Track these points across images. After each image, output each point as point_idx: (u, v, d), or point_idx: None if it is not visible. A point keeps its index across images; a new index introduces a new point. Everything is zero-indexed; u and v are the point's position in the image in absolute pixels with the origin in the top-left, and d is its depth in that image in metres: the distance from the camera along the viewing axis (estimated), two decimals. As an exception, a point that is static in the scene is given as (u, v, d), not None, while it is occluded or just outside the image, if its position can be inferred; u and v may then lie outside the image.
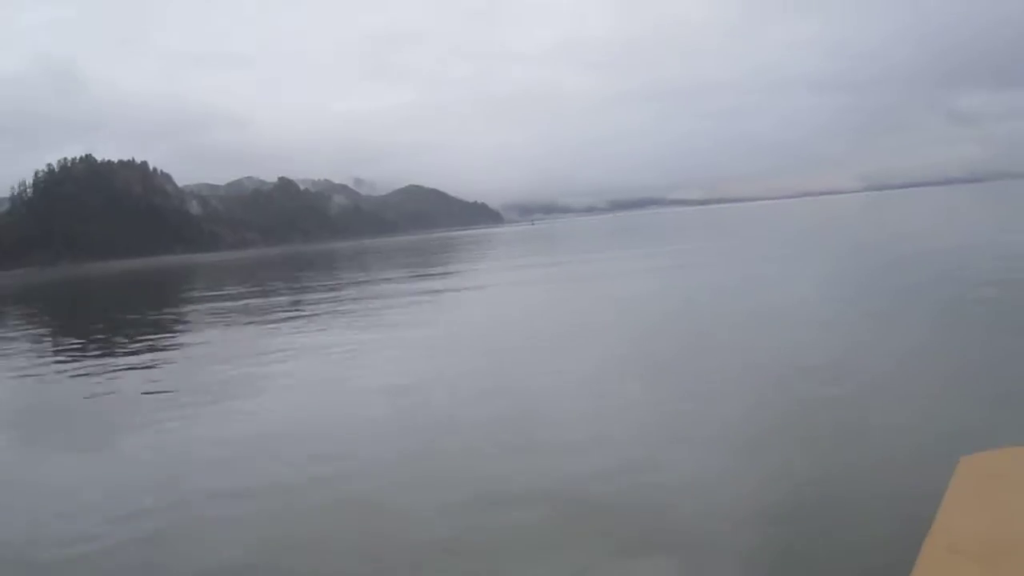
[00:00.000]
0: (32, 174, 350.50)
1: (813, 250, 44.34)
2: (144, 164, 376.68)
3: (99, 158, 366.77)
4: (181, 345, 22.55)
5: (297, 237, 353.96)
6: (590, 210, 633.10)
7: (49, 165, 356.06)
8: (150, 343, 22.90)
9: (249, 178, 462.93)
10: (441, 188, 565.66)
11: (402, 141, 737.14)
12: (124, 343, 23.87)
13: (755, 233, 70.74)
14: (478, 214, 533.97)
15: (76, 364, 20.30)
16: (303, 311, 28.77)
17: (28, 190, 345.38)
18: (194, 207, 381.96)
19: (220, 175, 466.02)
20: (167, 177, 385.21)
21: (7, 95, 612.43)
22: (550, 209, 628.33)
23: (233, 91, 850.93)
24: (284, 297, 37.25)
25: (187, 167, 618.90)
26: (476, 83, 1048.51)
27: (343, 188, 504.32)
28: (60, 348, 25.06)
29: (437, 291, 32.78)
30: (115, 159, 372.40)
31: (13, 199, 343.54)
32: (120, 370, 18.43)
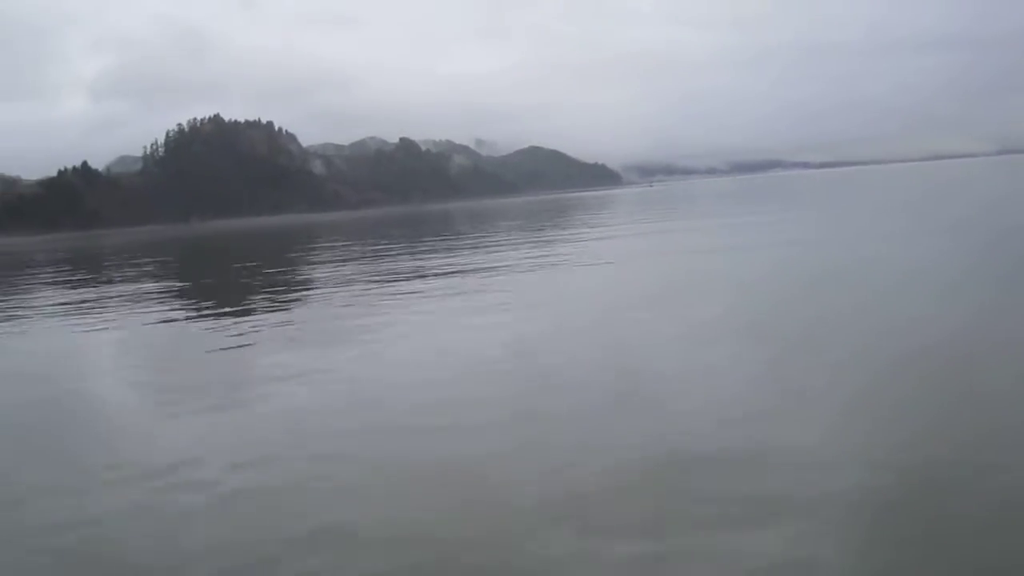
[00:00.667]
0: (164, 134, 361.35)
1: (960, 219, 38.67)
2: (269, 124, 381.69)
3: (226, 118, 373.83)
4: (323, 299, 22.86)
5: (418, 196, 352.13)
6: (711, 172, 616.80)
7: (179, 125, 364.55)
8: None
9: (372, 138, 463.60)
10: (561, 149, 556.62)
11: (522, 102, 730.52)
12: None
13: (889, 199, 64.45)
14: (597, 175, 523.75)
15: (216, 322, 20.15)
16: (430, 275, 27.57)
17: (160, 149, 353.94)
18: (318, 167, 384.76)
19: (344, 135, 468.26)
20: (291, 137, 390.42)
21: (134, 57, 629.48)
22: (670, 170, 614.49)
23: (353, 52, 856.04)
24: (406, 258, 35.60)
25: (312, 128, 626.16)
26: (592, 43, 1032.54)
27: (464, 149, 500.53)
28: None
29: (558, 258, 30.58)
30: (241, 119, 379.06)
31: (145, 158, 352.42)
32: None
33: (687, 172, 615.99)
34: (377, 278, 27.46)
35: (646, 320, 15.81)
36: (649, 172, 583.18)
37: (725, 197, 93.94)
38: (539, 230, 48.74)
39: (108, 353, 16.27)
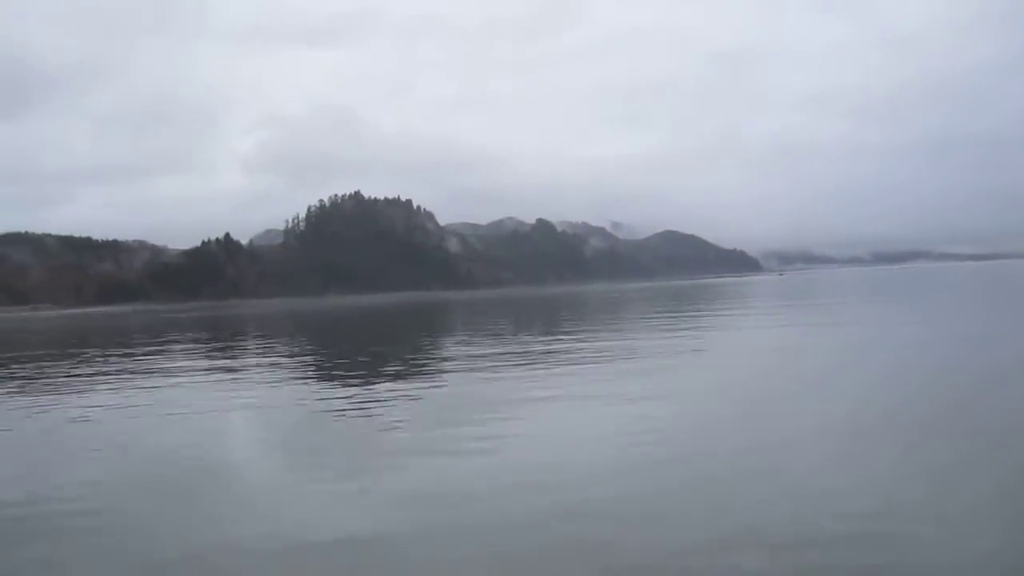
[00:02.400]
0: (306, 209, 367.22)
1: None
2: (408, 202, 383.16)
3: (366, 195, 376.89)
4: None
5: (551, 278, 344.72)
6: (852, 261, 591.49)
7: (320, 201, 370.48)
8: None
9: (510, 218, 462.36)
10: (698, 233, 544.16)
11: (659, 185, 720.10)
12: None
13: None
14: (736, 261, 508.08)
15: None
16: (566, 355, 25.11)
17: (301, 224, 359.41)
18: (453, 245, 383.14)
19: (482, 215, 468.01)
20: (429, 215, 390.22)
21: (287, 135, 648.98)
22: (809, 259, 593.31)
23: (492, 134, 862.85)
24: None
25: (451, 207, 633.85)
26: (727, 130, 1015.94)
27: (599, 231, 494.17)
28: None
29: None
30: (381, 196, 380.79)
31: (287, 232, 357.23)
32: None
33: (827, 261, 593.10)
34: (515, 359, 24.77)
35: (795, 414, 13.82)
36: (788, 259, 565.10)
37: (878, 288, 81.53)
38: (679, 316, 44.94)
39: (249, 424, 15.06)
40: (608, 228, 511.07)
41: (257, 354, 32.40)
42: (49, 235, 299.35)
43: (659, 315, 48.35)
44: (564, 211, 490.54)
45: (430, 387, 19.02)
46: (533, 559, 7.24)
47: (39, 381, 23.48)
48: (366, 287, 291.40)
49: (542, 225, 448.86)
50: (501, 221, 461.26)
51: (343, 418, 14.99)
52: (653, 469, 10.23)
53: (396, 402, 16.67)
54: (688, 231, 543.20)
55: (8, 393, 21.14)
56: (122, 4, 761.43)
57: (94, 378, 24.10)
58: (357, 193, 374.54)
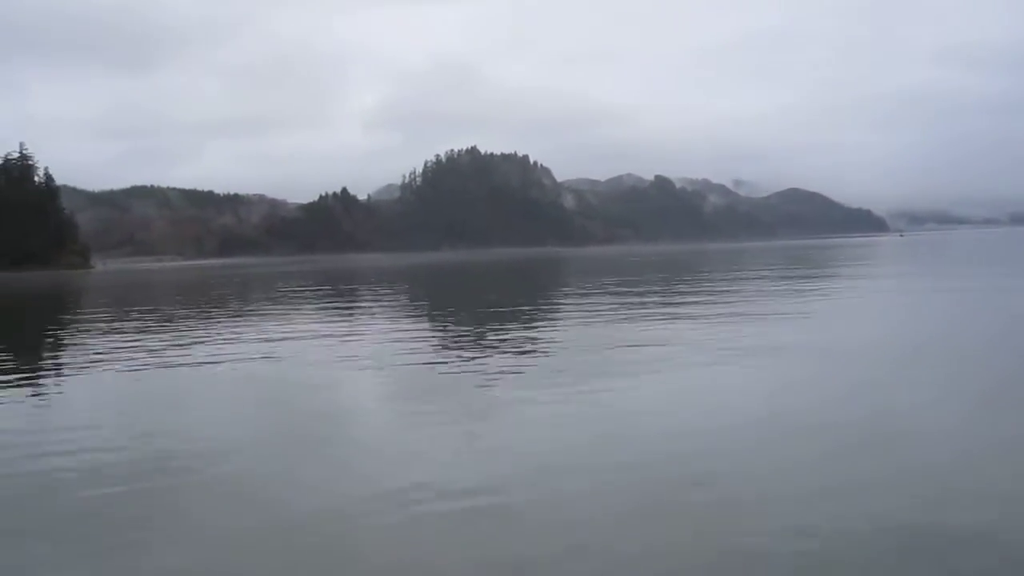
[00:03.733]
0: (422, 164, 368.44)
1: None
2: (525, 158, 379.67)
3: (483, 151, 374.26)
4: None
5: (668, 235, 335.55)
6: (988, 222, 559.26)
7: (437, 156, 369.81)
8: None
9: (629, 175, 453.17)
10: (823, 192, 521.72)
11: (785, 142, 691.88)
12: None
13: None
14: (861, 221, 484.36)
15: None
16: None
17: (417, 179, 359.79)
18: (568, 201, 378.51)
19: (601, 171, 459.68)
20: (546, 171, 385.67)
21: (411, 91, 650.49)
22: (943, 219, 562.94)
23: (614, 88, 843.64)
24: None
25: (568, 162, 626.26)
26: (861, 85, 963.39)
27: (720, 188, 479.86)
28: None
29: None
30: (498, 152, 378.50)
31: (403, 187, 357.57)
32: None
33: (960, 221, 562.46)
34: (633, 315, 23.23)
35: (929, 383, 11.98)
36: (919, 219, 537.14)
37: (995, 251, 72.84)
38: (805, 279, 40.51)
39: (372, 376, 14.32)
40: (729, 185, 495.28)
41: (374, 306, 31.92)
42: (173, 188, 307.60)
43: (779, 275, 43.68)
44: (684, 168, 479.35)
45: (549, 339, 18.24)
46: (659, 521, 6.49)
47: (166, 331, 22.80)
48: (479, 242, 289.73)
49: (660, 182, 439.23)
50: (620, 177, 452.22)
51: (467, 371, 14.19)
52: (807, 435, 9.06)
53: (518, 355, 15.81)
54: (813, 189, 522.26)
55: (142, 342, 20.29)
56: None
57: (213, 329, 23.51)
58: (473, 148, 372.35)
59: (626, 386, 11.96)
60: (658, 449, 8.42)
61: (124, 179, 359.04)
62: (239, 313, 30.31)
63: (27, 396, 13.03)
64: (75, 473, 8.17)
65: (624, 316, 23.00)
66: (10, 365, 16.95)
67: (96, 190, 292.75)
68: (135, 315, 30.93)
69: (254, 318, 27.06)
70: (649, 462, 7.93)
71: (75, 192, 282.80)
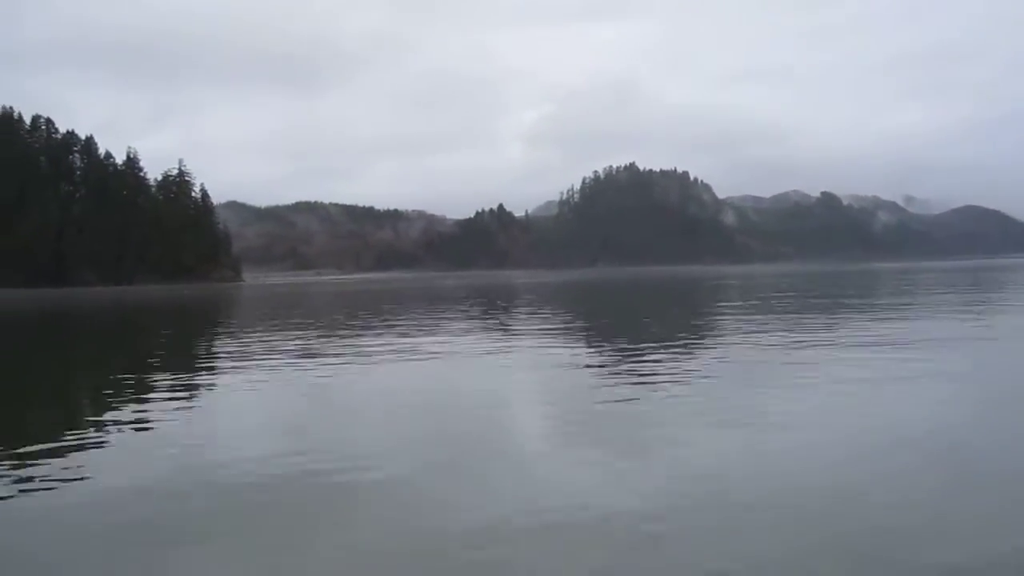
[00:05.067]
0: (580, 180, 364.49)
1: None
2: (684, 174, 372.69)
3: (641, 167, 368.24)
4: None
5: (834, 254, 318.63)
6: None
7: (595, 172, 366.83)
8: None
9: (795, 191, 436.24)
10: (1003, 209, 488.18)
11: (958, 158, 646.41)
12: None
13: None
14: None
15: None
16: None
17: (575, 195, 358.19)
18: (729, 218, 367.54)
19: (764, 188, 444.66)
20: (706, 187, 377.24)
21: (571, 109, 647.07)
22: None
23: (778, 104, 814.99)
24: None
25: (730, 179, 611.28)
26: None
27: (890, 205, 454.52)
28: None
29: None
30: (657, 168, 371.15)
31: (560, 204, 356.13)
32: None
33: None
34: (797, 338, 20.33)
35: None
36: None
37: None
38: (988, 302, 35.75)
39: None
40: (900, 202, 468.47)
41: (529, 321, 30.97)
42: (335, 204, 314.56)
43: (962, 298, 37.43)
44: (852, 184, 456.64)
45: (710, 361, 16.97)
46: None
47: (326, 347, 21.66)
48: (636, 259, 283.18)
49: (827, 198, 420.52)
50: (785, 194, 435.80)
51: (623, 389, 13.25)
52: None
53: (680, 375, 14.48)
54: (991, 206, 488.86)
55: (296, 351, 20.13)
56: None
57: (367, 340, 23.14)
58: (632, 165, 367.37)
59: (794, 413, 11.03)
60: (824, 481, 7.71)
61: (290, 195, 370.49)
62: (394, 325, 29.64)
63: (186, 404, 12.90)
64: (235, 478, 8.11)
65: (799, 340, 20.64)
66: (169, 374, 16.65)
67: (263, 206, 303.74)
68: (290, 326, 30.90)
69: (410, 330, 26.26)
70: (812, 490, 7.41)
71: (244, 208, 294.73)
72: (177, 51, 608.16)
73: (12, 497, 7.48)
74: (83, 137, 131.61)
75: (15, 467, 8.56)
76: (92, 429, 10.60)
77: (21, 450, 9.41)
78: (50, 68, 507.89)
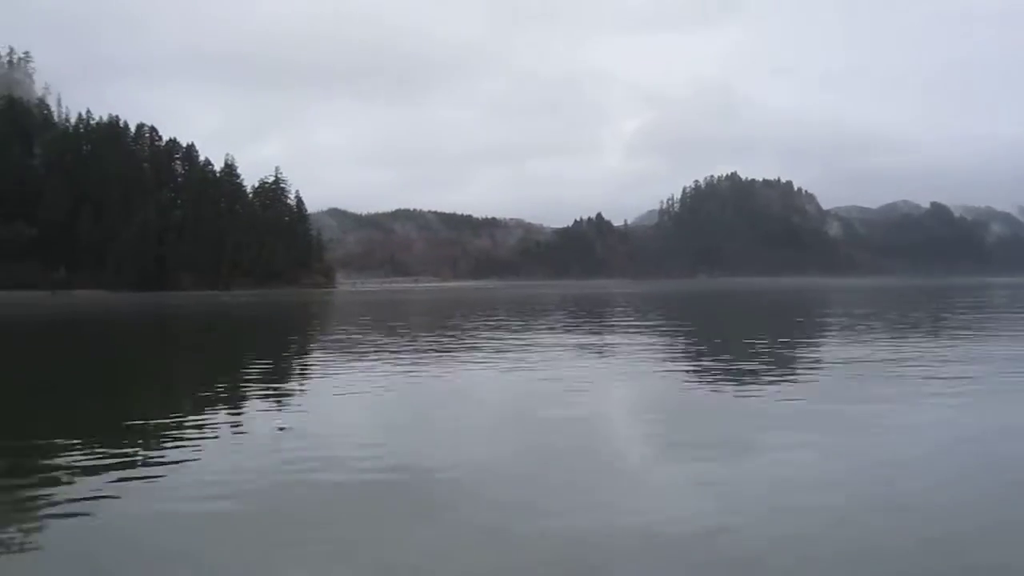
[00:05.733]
0: (681, 190, 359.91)
1: None
2: (788, 184, 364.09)
3: (744, 176, 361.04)
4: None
5: (942, 266, 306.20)
6: None
7: (696, 181, 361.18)
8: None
9: (905, 202, 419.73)
10: None
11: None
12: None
13: None
14: None
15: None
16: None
17: (675, 205, 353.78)
18: (834, 229, 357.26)
19: (872, 198, 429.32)
20: (810, 198, 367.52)
21: (672, 117, 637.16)
22: None
23: (885, 113, 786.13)
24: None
25: (836, 189, 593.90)
26: None
27: (1004, 216, 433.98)
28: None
29: None
30: (759, 178, 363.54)
31: (660, 213, 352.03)
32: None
33: None
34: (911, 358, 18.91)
35: None
36: None
37: None
38: None
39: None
40: (1014, 213, 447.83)
41: (627, 330, 30.76)
42: (433, 212, 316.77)
43: None
44: (964, 195, 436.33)
45: (815, 373, 16.59)
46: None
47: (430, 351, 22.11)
48: (736, 269, 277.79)
49: (937, 210, 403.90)
50: (893, 205, 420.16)
51: (726, 401, 13.30)
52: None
53: (782, 389, 14.34)
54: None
55: (388, 357, 20.25)
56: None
57: (462, 345, 23.44)
58: (734, 174, 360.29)
59: (901, 429, 10.72)
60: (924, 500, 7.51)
61: (390, 203, 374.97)
62: (489, 332, 29.61)
63: (286, 403, 13.25)
64: (334, 475, 8.28)
65: (917, 357, 19.83)
66: (264, 377, 16.91)
67: (364, 213, 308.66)
68: (387, 330, 31.47)
69: (506, 337, 26.34)
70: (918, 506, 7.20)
71: (345, 215, 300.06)
72: (285, 62, 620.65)
73: (121, 486, 7.85)
74: (184, 145, 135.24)
75: (121, 459, 8.94)
76: (195, 424, 11.10)
77: (125, 443, 9.91)
78: (163, 79, 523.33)
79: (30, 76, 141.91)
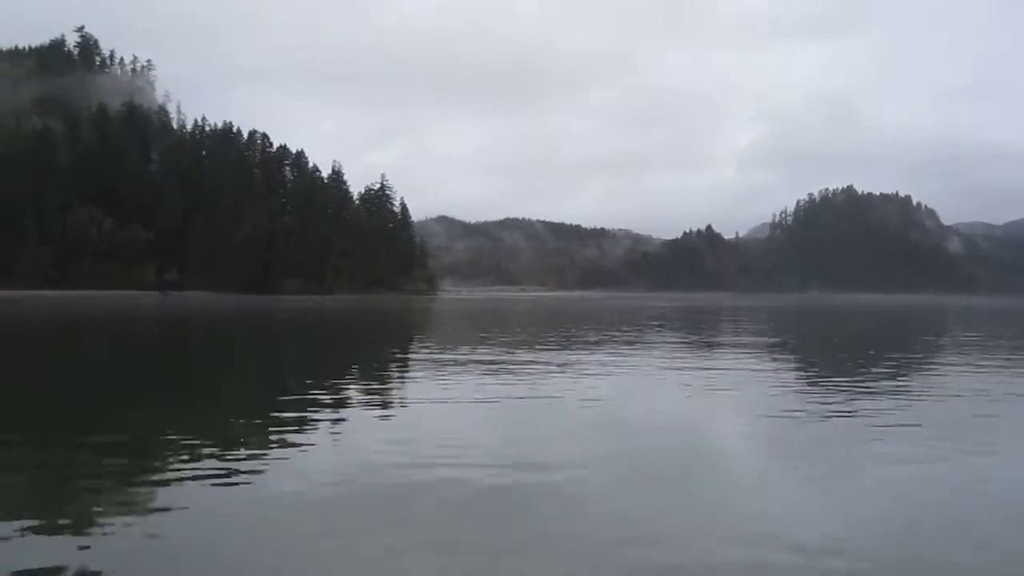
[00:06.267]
0: (794, 203, 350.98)
1: None
2: (907, 199, 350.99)
3: (860, 190, 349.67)
4: None
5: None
6: None
7: (810, 195, 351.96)
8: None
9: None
10: None
11: None
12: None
13: None
14: None
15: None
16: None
17: (788, 218, 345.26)
18: (954, 245, 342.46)
19: (997, 214, 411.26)
20: (930, 213, 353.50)
21: (786, 129, 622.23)
22: None
23: (1012, 124, 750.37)
24: None
25: (958, 205, 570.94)
26: None
27: None
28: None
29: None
30: (876, 192, 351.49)
31: (773, 226, 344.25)
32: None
33: None
34: None
35: None
36: None
37: None
38: None
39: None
40: None
41: (738, 344, 29.73)
42: (541, 221, 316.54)
43: None
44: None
45: (932, 392, 16.15)
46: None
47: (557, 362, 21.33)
48: (850, 285, 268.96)
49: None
50: (1020, 221, 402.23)
51: (842, 421, 12.58)
52: None
53: (901, 411, 13.56)
54: None
55: (489, 366, 19.82)
56: (635, 6, 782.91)
57: (570, 356, 22.82)
58: (849, 187, 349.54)
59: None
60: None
61: (499, 211, 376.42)
62: (598, 341, 29.35)
63: (388, 407, 13.39)
64: (432, 482, 8.24)
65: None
66: (369, 380, 17.33)
67: (473, 221, 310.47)
68: (489, 339, 30.94)
69: (614, 350, 25.62)
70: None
71: (454, 222, 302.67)
72: (404, 72, 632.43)
73: (220, 486, 7.93)
74: (294, 151, 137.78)
75: (223, 463, 8.91)
76: (297, 423, 11.33)
77: (227, 447, 9.92)
78: (285, 86, 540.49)
79: (151, 83, 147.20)
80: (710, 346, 29.31)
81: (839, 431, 11.70)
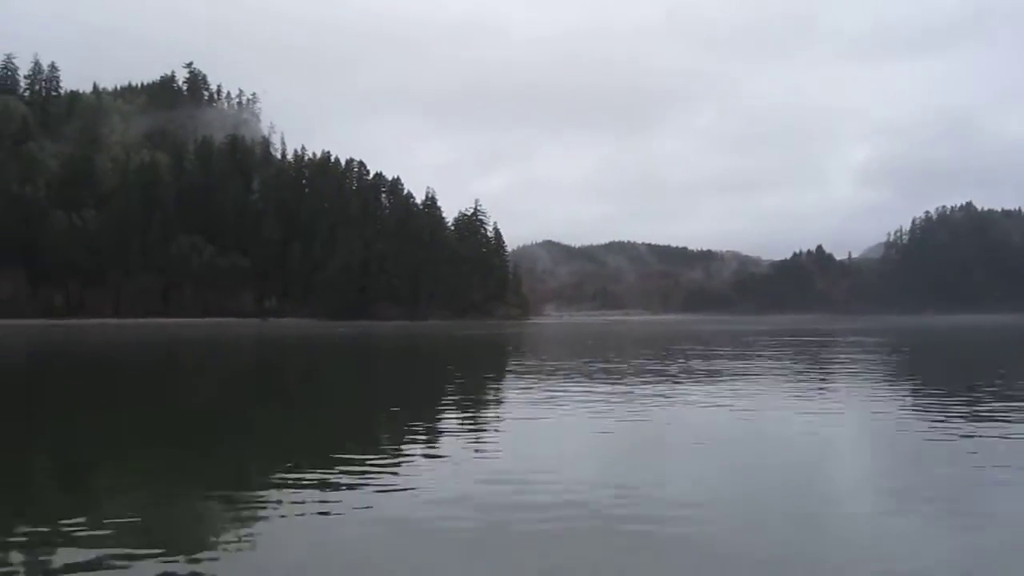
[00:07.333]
0: (910, 222, 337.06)
1: None
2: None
3: (979, 207, 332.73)
4: None
5: None
6: None
7: (927, 212, 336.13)
8: None
9: None
10: None
11: None
12: None
13: None
14: None
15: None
16: None
17: (904, 237, 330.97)
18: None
19: None
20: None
21: (902, 147, 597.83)
22: None
23: None
24: None
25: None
26: None
27: None
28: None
29: None
30: (997, 208, 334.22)
31: (888, 246, 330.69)
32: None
33: None
34: None
35: None
36: None
37: None
38: None
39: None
40: None
41: (854, 370, 29.25)
42: (646, 244, 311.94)
43: None
44: None
45: None
46: None
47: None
48: (970, 306, 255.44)
49: None
50: None
51: (961, 448, 12.61)
52: None
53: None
54: None
55: (601, 391, 20.16)
56: (738, 24, 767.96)
57: (678, 386, 22.57)
58: (968, 204, 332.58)
59: None
60: None
61: (604, 235, 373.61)
62: (709, 373, 28.13)
63: (500, 431, 13.66)
64: (531, 507, 8.39)
65: None
66: (482, 404, 17.73)
67: (577, 245, 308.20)
68: (589, 364, 31.29)
69: (727, 379, 25.01)
70: None
71: (558, 247, 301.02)
72: (510, 98, 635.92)
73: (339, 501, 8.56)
74: (390, 179, 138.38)
75: (335, 477, 9.62)
76: (398, 447, 12.04)
77: (338, 462, 10.60)
78: (391, 115, 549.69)
79: (256, 116, 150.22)
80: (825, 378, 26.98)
81: (977, 470, 11.04)
